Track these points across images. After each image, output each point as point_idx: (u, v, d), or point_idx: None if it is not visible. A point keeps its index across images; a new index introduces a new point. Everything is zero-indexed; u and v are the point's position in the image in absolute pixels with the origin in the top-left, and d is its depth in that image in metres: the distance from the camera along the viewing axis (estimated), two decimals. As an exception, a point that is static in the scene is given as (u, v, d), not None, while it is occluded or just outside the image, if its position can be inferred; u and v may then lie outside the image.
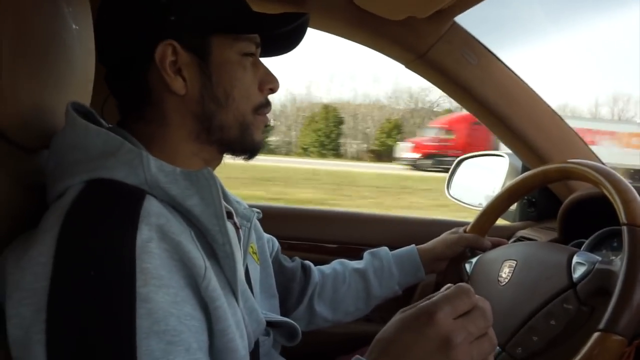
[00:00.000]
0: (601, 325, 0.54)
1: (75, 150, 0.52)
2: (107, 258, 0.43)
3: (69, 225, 0.45)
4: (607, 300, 0.55)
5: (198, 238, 0.51)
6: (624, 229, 0.59)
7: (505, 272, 0.75)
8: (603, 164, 1.08)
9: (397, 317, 0.48)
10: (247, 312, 0.58)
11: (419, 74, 1.11)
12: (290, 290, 0.88)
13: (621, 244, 0.59)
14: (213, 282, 0.48)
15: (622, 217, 0.60)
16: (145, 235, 0.44)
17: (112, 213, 0.46)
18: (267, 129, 0.65)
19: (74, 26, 0.62)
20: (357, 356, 0.47)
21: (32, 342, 0.41)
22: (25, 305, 0.42)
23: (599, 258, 0.64)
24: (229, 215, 0.64)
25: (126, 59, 0.57)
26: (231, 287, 0.53)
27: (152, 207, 0.47)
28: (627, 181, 0.64)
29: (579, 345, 0.55)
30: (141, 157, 0.51)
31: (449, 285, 0.48)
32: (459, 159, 1.53)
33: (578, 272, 0.63)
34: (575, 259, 0.65)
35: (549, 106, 1.10)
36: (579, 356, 0.54)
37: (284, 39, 0.65)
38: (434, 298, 0.46)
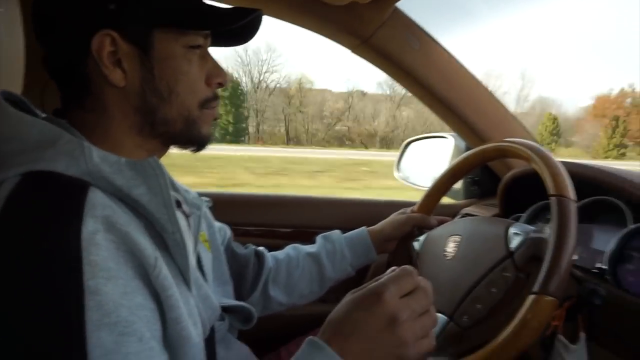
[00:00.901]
0: (535, 288, 0.58)
1: (8, 141, 0.49)
2: (51, 252, 0.41)
3: (6, 220, 0.43)
4: (540, 266, 0.60)
5: (147, 228, 0.50)
6: (552, 199, 0.64)
7: (451, 247, 0.79)
8: (537, 142, 1.16)
9: (347, 297, 0.51)
10: (201, 299, 0.58)
11: (364, 58, 1.13)
12: (244, 276, 0.89)
13: None
14: (164, 271, 0.48)
15: (550, 188, 0.65)
16: (91, 227, 0.43)
17: (54, 206, 0.44)
18: (215, 122, 0.63)
19: None
20: (310, 337, 0.48)
21: None
22: None
23: (533, 228, 0.68)
24: (178, 204, 0.63)
25: (63, 46, 0.54)
26: (183, 275, 0.53)
27: (97, 199, 0.46)
28: (554, 157, 0.69)
29: (517, 309, 0.59)
30: (82, 147, 0.49)
31: (394, 267, 0.52)
32: (406, 141, 1.58)
33: (514, 242, 0.67)
34: (511, 230, 0.69)
35: (487, 89, 1.15)
36: (517, 319, 0.58)
37: (237, 32, 0.64)
38: (381, 279, 0.50)
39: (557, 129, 34.93)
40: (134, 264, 0.46)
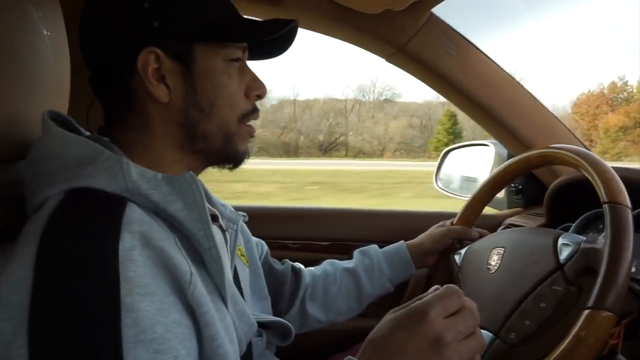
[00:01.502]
0: (590, 303, 0.54)
1: (52, 159, 0.51)
2: (89, 268, 0.42)
3: (48, 237, 0.43)
4: (594, 278, 0.56)
5: (183, 243, 0.50)
6: (605, 207, 0.59)
7: (494, 260, 0.75)
8: (585, 147, 1.10)
9: (389, 316, 0.49)
10: (237, 316, 0.57)
11: (399, 67, 1.11)
12: (281, 293, 0.88)
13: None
14: (199, 288, 0.47)
15: (603, 196, 0.61)
16: (128, 243, 0.43)
17: (92, 222, 0.45)
18: (252, 139, 0.63)
19: (44, 31, 0.61)
20: (349, 357, 0.47)
21: (13, 358, 0.40)
22: (5, 320, 0.41)
23: (584, 238, 0.64)
24: (214, 219, 0.63)
25: (109, 64, 0.56)
26: (219, 291, 0.53)
27: (134, 215, 0.46)
28: (605, 162, 0.65)
29: (570, 325, 0.55)
30: (121, 163, 0.50)
31: (437, 286, 0.50)
32: (445, 150, 1.54)
33: (564, 253, 0.63)
34: (560, 241, 0.65)
35: (529, 93, 1.11)
36: (571, 335, 0.54)
37: (273, 44, 0.64)
38: (425, 298, 0.48)
39: (454, 128, 31.27)
40: (170, 279, 0.46)
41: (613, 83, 33.89)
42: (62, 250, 0.43)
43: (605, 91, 33.06)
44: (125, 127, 0.57)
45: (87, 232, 0.44)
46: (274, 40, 0.60)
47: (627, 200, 0.60)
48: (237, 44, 0.58)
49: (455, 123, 31.55)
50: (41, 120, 0.54)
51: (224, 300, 0.53)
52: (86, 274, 0.41)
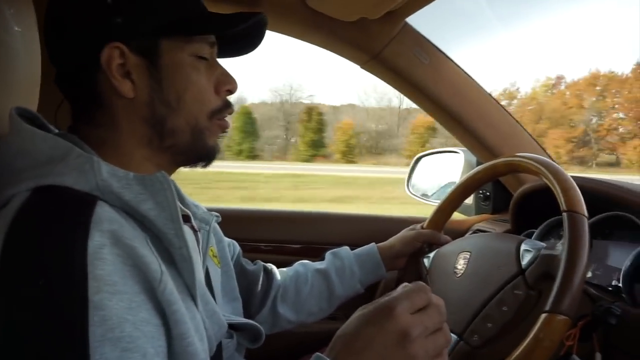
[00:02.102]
0: (547, 307, 0.56)
1: (21, 156, 0.50)
2: (56, 266, 0.41)
3: (14, 234, 0.43)
4: (552, 283, 0.58)
5: (154, 243, 0.50)
6: (564, 215, 0.62)
7: (461, 264, 0.77)
8: (550, 157, 1.14)
9: (358, 313, 0.50)
10: (208, 315, 0.57)
11: (374, 74, 1.13)
12: (252, 293, 0.88)
13: None
14: (170, 286, 0.47)
15: (562, 204, 0.63)
16: (97, 241, 0.43)
17: (61, 219, 0.44)
18: (224, 134, 0.63)
19: (15, 28, 0.60)
20: (317, 354, 0.47)
21: None
22: None
23: (544, 244, 0.67)
24: (186, 219, 0.63)
25: (73, 61, 0.55)
26: (189, 290, 0.53)
27: (104, 213, 0.46)
28: (565, 172, 0.68)
29: (529, 328, 0.57)
30: (92, 162, 0.49)
31: (405, 283, 0.50)
32: (417, 156, 1.57)
33: (525, 259, 0.66)
34: (522, 247, 0.68)
35: (498, 103, 1.15)
36: (529, 337, 0.56)
37: (242, 39, 0.64)
38: (393, 294, 0.49)
39: (251, 126, 30.49)
40: (140, 278, 0.45)
41: (506, 89, 35.47)
42: (28, 248, 0.42)
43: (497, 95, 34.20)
44: (93, 124, 0.56)
45: (55, 230, 0.43)
46: (242, 35, 0.60)
47: (584, 209, 0.63)
48: (205, 38, 0.58)
49: (252, 122, 30.62)
50: (8, 116, 0.53)
51: (194, 299, 0.53)
52: (53, 272, 0.41)
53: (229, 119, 0.64)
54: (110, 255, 0.43)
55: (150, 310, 0.46)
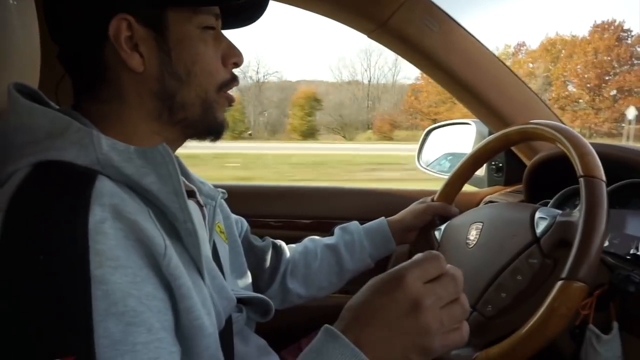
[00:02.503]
0: (563, 274, 0.55)
1: (20, 132, 0.49)
2: (56, 241, 0.41)
3: (14, 210, 0.42)
4: (569, 251, 0.57)
5: (157, 217, 0.49)
6: (581, 180, 0.60)
7: (473, 235, 0.76)
8: (564, 124, 1.11)
9: (368, 283, 0.48)
10: (216, 290, 0.57)
11: (381, 43, 1.10)
12: (261, 269, 0.88)
13: None
14: (174, 260, 0.47)
15: (579, 169, 0.61)
16: (98, 215, 0.43)
17: (61, 195, 0.44)
18: (230, 107, 0.62)
19: (11, 1, 0.59)
20: (326, 325, 0.46)
21: None
22: None
23: (560, 212, 0.65)
24: (191, 194, 0.63)
25: (79, 35, 0.54)
26: (196, 265, 0.52)
27: (104, 187, 0.45)
28: (582, 137, 0.65)
29: (544, 297, 0.56)
30: (91, 136, 0.48)
31: (419, 254, 0.48)
32: (427, 129, 1.54)
33: (540, 227, 0.64)
34: (537, 215, 0.66)
35: (510, 70, 1.11)
36: (544, 306, 0.55)
37: (246, 9, 0.63)
38: (404, 264, 0.47)
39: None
40: (144, 252, 0.45)
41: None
42: (28, 224, 0.42)
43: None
44: (98, 100, 0.55)
45: (54, 205, 0.43)
46: (246, 5, 0.59)
47: (602, 174, 0.60)
48: (211, 9, 0.57)
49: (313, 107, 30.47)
50: (7, 92, 0.52)
51: (201, 274, 0.53)
52: (53, 247, 0.41)
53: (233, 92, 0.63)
54: (112, 229, 0.43)
55: (155, 284, 0.45)
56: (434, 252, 0.47)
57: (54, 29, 0.56)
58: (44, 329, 0.39)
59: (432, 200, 0.95)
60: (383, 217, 0.95)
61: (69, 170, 0.46)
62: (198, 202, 0.63)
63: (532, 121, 0.77)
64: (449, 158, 1.46)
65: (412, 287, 0.44)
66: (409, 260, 0.47)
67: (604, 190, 0.59)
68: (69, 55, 0.56)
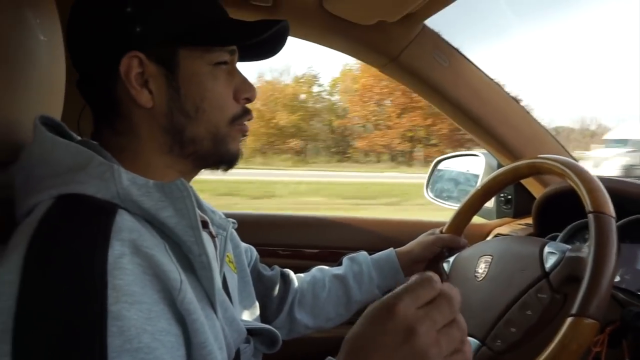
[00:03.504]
0: (573, 310, 0.55)
1: (43, 164, 0.51)
2: (76, 275, 0.41)
3: (36, 242, 0.43)
4: (578, 286, 0.56)
5: (173, 250, 0.50)
6: (590, 216, 0.60)
7: (482, 268, 0.76)
8: (573, 158, 1.12)
9: (364, 314, 0.46)
10: (227, 323, 0.57)
11: (393, 77, 1.13)
12: (270, 299, 0.88)
13: None
14: (189, 295, 0.47)
15: (588, 205, 0.62)
16: (118, 250, 0.43)
17: (82, 229, 0.44)
18: (244, 138, 0.63)
19: (42, 37, 0.62)
20: (329, 357, 0.46)
21: None
22: None
23: (569, 247, 0.65)
24: (204, 225, 0.63)
25: (94, 70, 0.56)
26: (209, 298, 0.52)
27: (124, 222, 0.46)
28: (591, 172, 0.66)
29: (554, 332, 0.56)
30: (112, 170, 0.49)
31: (410, 278, 0.46)
32: (437, 159, 1.56)
33: (550, 262, 0.64)
34: (546, 249, 0.66)
35: (519, 104, 1.13)
36: (555, 342, 0.54)
37: (264, 45, 0.63)
38: (395, 290, 0.45)
39: None
40: (159, 287, 0.45)
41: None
42: (50, 257, 0.42)
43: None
44: (114, 132, 0.57)
45: (76, 239, 0.43)
46: (264, 41, 0.59)
47: (612, 210, 0.61)
48: (224, 48, 0.58)
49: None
50: (33, 125, 0.54)
51: (213, 307, 0.53)
52: (73, 281, 0.41)
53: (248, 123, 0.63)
54: (130, 264, 0.43)
55: (169, 319, 0.45)
56: (426, 274, 0.45)
57: (74, 60, 0.58)
58: None
59: (441, 231, 0.95)
60: (392, 248, 0.95)
61: (90, 204, 0.47)
62: (210, 233, 0.64)
63: (541, 155, 0.78)
64: (457, 189, 1.47)
65: (403, 315, 0.42)
66: (401, 286, 0.44)
67: (614, 226, 0.59)
68: (86, 87, 0.58)
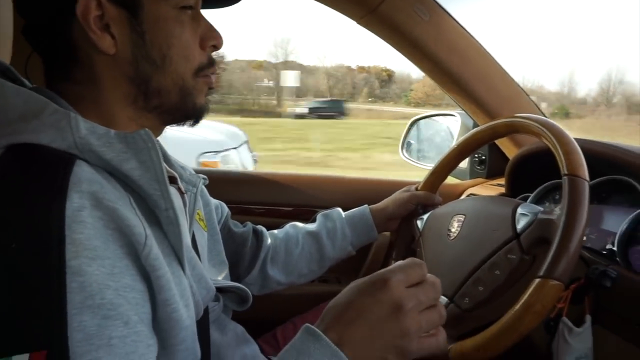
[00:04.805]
0: (540, 272, 0.55)
1: None
2: (31, 229, 0.39)
3: None
4: (548, 248, 0.57)
5: (138, 204, 0.48)
6: (564, 179, 0.60)
7: (455, 227, 0.76)
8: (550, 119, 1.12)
9: (351, 284, 0.49)
10: (195, 280, 0.56)
11: (370, 30, 1.08)
12: (241, 255, 0.87)
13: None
14: (155, 250, 0.45)
15: (563, 167, 0.61)
16: (77, 203, 0.41)
17: (37, 181, 0.42)
18: (211, 91, 0.60)
19: None
20: (307, 324, 0.46)
21: None
22: None
23: (541, 209, 0.65)
24: (173, 180, 0.61)
25: (46, 12, 0.51)
26: (176, 254, 0.51)
27: (83, 173, 0.43)
28: (568, 134, 0.65)
29: (521, 292, 0.57)
30: (69, 118, 0.46)
31: (400, 262, 0.50)
32: (412, 119, 1.54)
33: (521, 223, 0.64)
34: (519, 210, 0.66)
35: (498, 64, 1.11)
36: (520, 302, 0.56)
37: None
38: (388, 267, 0.49)
39: None
40: (123, 242, 0.43)
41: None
42: (1, 211, 0.40)
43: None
44: (72, 81, 0.52)
45: (30, 191, 0.41)
46: None
47: (586, 174, 0.61)
48: None
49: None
50: None
51: (181, 263, 0.51)
52: (27, 236, 0.39)
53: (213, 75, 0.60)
54: (90, 218, 0.41)
55: (134, 275, 0.44)
56: (417, 259, 0.49)
57: (19, 3, 0.53)
58: (15, 322, 0.37)
59: (416, 189, 0.95)
60: (366, 205, 0.95)
61: (45, 155, 0.44)
62: (179, 189, 0.61)
63: (519, 114, 0.77)
64: (433, 149, 1.47)
65: (395, 290, 0.46)
66: (393, 265, 0.49)
67: (587, 190, 0.59)
68: (37, 34, 0.53)
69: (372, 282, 0.47)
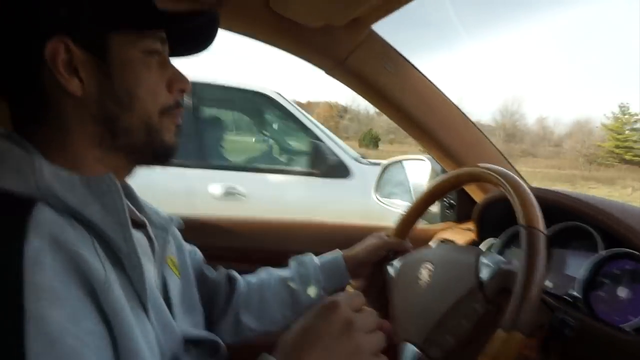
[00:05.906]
0: (502, 324, 0.56)
1: None
2: None
3: None
4: (510, 298, 0.58)
5: (102, 247, 0.48)
6: (522, 230, 0.62)
7: (423, 274, 0.77)
8: (512, 165, 1.16)
9: (304, 315, 0.52)
10: (161, 327, 0.54)
11: (339, 80, 1.12)
12: (214, 301, 0.86)
13: None
14: (116, 293, 0.45)
15: (520, 218, 0.63)
16: (36, 245, 0.40)
17: None
18: (178, 129, 0.61)
19: None
20: (264, 354, 0.46)
21: None
22: None
23: (503, 259, 0.67)
24: (140, 225, 0.61)
25: (15, 56, 0.51)
26: (140, 299, 0.50)
27: (43, 216, 0.43)
28: (525, 185, 0.68)
29: (486, 342, 0.57)
30: (32, 163, 0.47)
31: (342, 293, 0.55)
32: (384, 163, 1.58)
33: (484, 273, 0.65)
34: (482, 260, 0.67)
35: (461, 112, 1.16)
36: (484, 354, 0.56)
37: (194, 37, 0.62)
38: (334, 295, 0.53)
39: None
40: (82, 284, 0.43)
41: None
42: None
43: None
44: (38, 123, 0.53)
45: None
46: (194, 32, 0.58)
47: (542, 225, 0.63)
48: (156, 35, 0.56)
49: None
50: None
51: (145, 308, 0.50)
52: None
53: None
54: (50, 260, 0.41)
55: (94, 319, 0.43)
56: (357, 292, 0.56)
57: None
58: None
59: (387, 235, 0.96)
60: (338, 250, 0.95)
61: (5, 199, 0.44)
62: (147, 234, 0.61)
63: (481, 165, 0.80)
64: (404, 193, 1.49)
65: (344, 310, 0.49)
66: (338, 293, 0.53)
67: (542, 242, 0.60)
68: (5, 76, 0.53)
69: (322, 307, 0.50)
